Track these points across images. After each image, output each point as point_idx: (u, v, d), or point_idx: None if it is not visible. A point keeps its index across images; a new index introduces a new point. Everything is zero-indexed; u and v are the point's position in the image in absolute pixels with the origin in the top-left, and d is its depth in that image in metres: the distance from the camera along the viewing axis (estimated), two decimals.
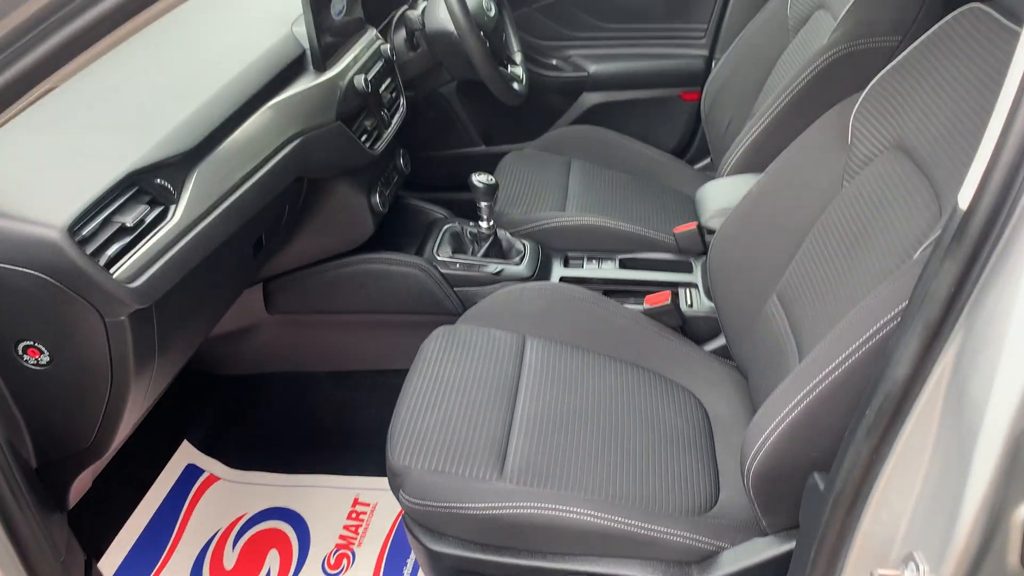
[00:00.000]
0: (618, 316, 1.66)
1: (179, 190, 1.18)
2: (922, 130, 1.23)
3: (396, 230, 2.00)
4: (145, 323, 1.13)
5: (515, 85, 2.06)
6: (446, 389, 1.45)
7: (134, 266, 1.06)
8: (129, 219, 1.07)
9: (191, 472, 1.87)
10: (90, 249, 1.02)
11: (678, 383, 1.58)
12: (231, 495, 1.83)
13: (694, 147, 2.59)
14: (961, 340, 0.83)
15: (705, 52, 2.50)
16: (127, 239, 1.07)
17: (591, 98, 2.56)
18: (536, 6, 2.48)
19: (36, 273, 0.99)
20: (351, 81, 1.59)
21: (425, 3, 2.00)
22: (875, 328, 1.00)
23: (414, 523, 1.34)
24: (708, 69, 2.48)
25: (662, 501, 1.31)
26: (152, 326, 1.15)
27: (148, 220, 1.11)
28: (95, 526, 1.72)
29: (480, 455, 1.34)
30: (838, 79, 1.70)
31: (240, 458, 1.91)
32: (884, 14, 1.68)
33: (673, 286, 1.86)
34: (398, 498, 1.33)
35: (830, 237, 1.34)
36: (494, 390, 1.46)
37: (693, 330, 1.78)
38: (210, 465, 1.89)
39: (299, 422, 1.99)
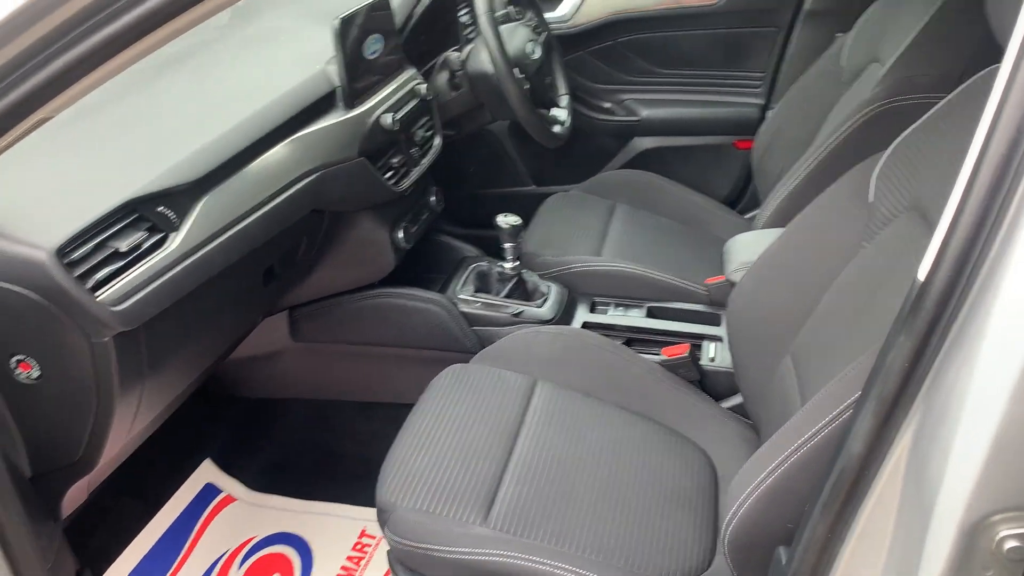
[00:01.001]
0: (633, 366, 1.63)
1: (182, 218, 1.22)
2: (940, 193, 1.17)
3: (426, 266, 2.02)
4: (132, 345, 1.17)
5: (556, 128, 2.07)
6: (445, 428, 1.45)
7: (121, 290, 1.10)
8: (124, 245, 1.12)
9: (209, 491, 1.91)
10: (79, 271, 1.07)
11: (689, 439, 1.54)
12: (245, 516, 1.86)
13: (747, 197, 2.53)
14: (920, 419, 0.79)
15: (761, 101, 2.45)
16: (119, 264, 1.12)
17: (643, 143, 2.54)
18: (590, 50, 2.49)
19: (25, 291, 1.04)
20: (378, 119, 1.62)
21: (471, 46, 2.03)
22: (850, 400, 0.96)
23: (396, 561, 1.34)
24: (763, 118, 2.43)
25: (648, 562, 1.27)
26: (140, 348, 1.19)
27: (145, 246, 1.15)
28: (107, 537, 1.78)
29: (467, 498, 1.33)
30: (876, 135, 1.63)
31: (258, 480, 1.94)
32: (928, 71, 1.62)
33: (698, 338, 1.82)
34: (384, 534, 1.33)
35: (843, 300, 1.29)
36: (494, 432, 1.45)
37: (712, 385, 1.73)
38: (229, 485, 1.93)
39: (318, 449, 2.01)
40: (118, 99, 1.39)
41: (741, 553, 1.10)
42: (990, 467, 0.72)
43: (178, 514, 1.85)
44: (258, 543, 1.80)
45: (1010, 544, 0.73)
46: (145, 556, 1.75)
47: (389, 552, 1.35)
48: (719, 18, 2.40)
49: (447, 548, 1.25)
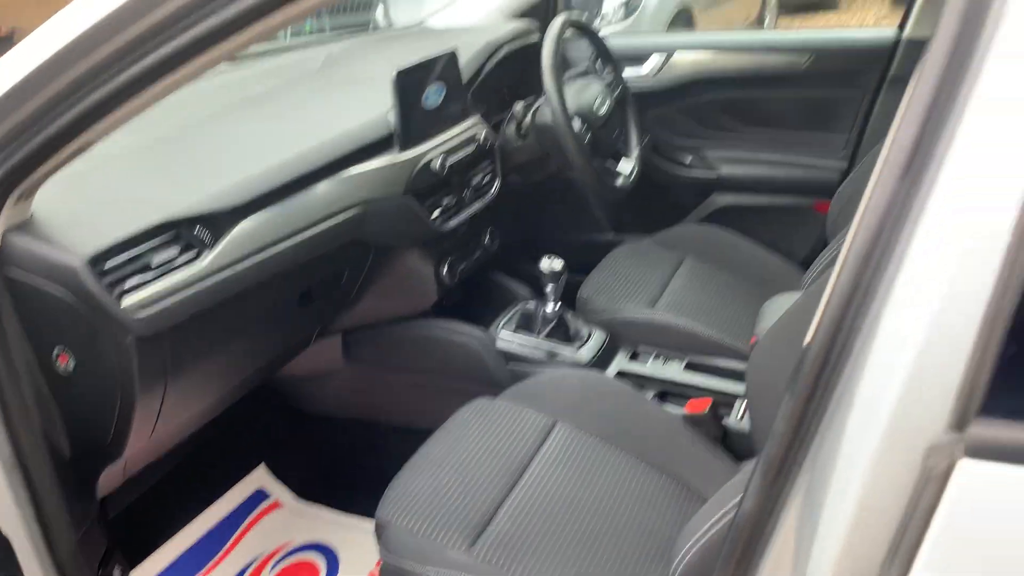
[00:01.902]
0: (654, 417, 1.64)
1: (217, 239, 1.36)
2: None
3: (482, 302, 2.11)
4: (155, 349, 1.30)
5: (619, 181, 2.12)
6: (455, 457, 1.52)
7: (146, 300, 1.25)
8: (155, 260, 1.27)
9: (259, 496, 2.05)
10: (109, 279, 1.22)
11: (702, 495, 1.53)
12: (287, 522, 1.98)
13: None
14: (808, 484, 0.80)
15: (844, 164, 2.41)
16: (149, 276, 1.26)
17: (722, 199, 2.55)
18: (673, 106, 2.52)
19: (63, 292, 1.19)
20: (428, 162, 1.74)
21: (542, 98, 2.13)
22: None
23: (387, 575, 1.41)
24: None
25: None
26: (163, 353, 1.33)
27: (177, 263, 1.30)
28: (155, 528, 1.94)
29: (458, 525, 1.38)
30: None
31: (304, 489, 2.07)
32: None
33: (731, 396, 1.81)
34: (378, 547, 1.41)
35: None
36: (500, 466, 1.50)
37: (737, 444, 1.71)
38: (278, 491, 2.06)
39: (360, 466, 2.12)
40: (191, 129, 1.57)
41: None
42: (849, 542, 0.72)
43: (226, 514, 2.00)
44: (294, 548, 1.91)
45: None
46: (186, 550, 1.90)
47: (382, 567, 1.43)
48: (805, 79, 2.39)
49: (427, 568, 1.31)
